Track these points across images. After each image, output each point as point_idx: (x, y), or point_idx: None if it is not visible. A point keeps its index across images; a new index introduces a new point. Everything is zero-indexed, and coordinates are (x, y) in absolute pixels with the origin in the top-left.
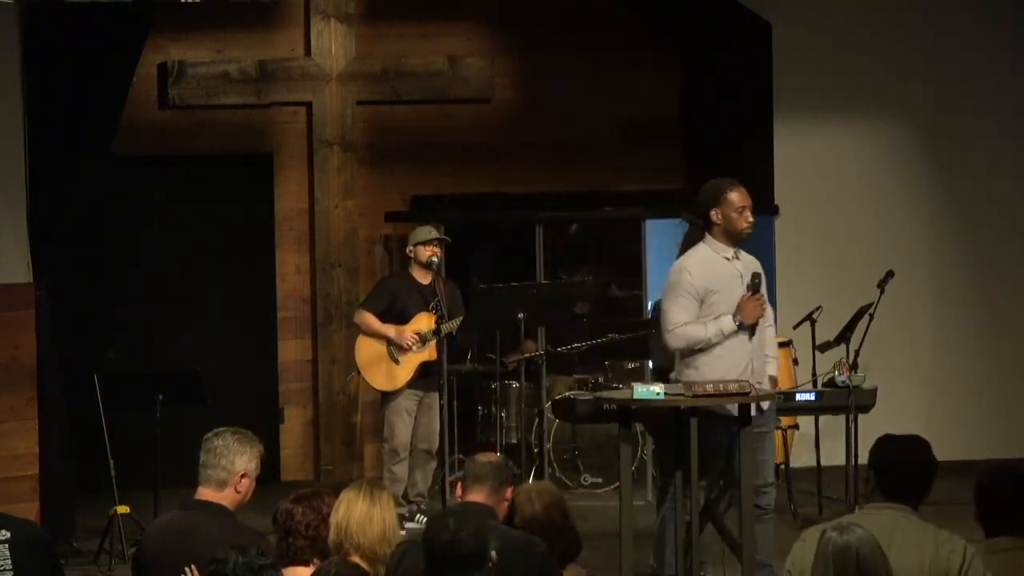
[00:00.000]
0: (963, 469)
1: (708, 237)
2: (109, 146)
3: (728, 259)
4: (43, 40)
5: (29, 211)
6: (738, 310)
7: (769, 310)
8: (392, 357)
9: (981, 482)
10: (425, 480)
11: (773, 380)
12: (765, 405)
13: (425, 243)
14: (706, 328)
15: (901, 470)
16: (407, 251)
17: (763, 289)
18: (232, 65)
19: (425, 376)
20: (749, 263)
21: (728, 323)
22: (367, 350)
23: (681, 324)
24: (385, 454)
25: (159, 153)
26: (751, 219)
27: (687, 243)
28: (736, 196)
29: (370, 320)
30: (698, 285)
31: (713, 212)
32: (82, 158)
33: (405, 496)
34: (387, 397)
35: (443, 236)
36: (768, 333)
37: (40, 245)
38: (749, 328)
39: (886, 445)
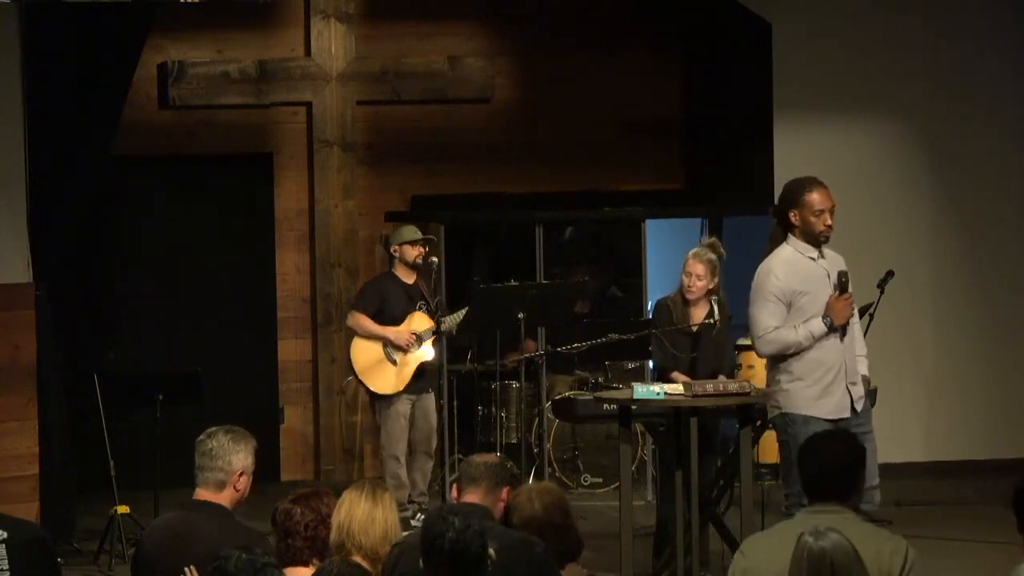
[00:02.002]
0: (963, 469)
1: (791, 237)
2: (109, 146)
3: (813, 259)
4: (43, 40)
5: (29, 211)
6: (827, 311)
7: (855, 309)
8: (390, 359)
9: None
10: (424, 479)
11: (866, 379)
12: (859, 406)
13: (412, 243)
14: (796, 332)
15: (822, 474)
16: (391, 251)
17: (851, 288)
18: (232, 65)
19: (417, 379)
20: (834, 261)
21: (818, 325)
22: (363, 354)
23: (771, 329)
24: (385, 460)
25: (159, 153)
26: (830, 222)
27: (772, 242)
28: (815, 198)
29: (365, 322)
30: (785, 287)
31: (792, 214)
32: (82, 158)
33: (408, 499)
34: (382, 403)
35: (428, 235)
36: (857, 331)
37: (40, 245)
38: (840, 329)
39: (808, 447)
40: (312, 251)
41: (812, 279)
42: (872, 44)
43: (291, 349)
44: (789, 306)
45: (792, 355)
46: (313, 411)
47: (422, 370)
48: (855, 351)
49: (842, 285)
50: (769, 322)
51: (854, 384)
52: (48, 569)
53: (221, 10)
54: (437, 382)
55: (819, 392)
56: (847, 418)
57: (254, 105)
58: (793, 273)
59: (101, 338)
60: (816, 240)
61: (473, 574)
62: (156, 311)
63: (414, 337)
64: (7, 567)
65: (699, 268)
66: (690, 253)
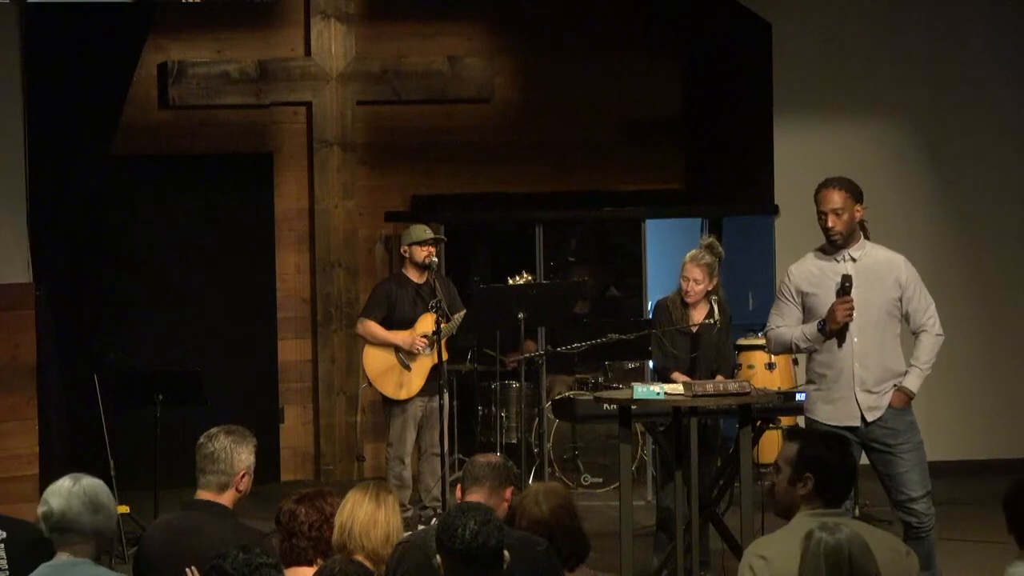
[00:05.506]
0: (962, 469)
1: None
2: (109, 146)
3: (839, 261)
4: (43, 40)
5: (29, 211)
6: (828, 313)
7: (931, 314)
8: (403, 364)
9: (1012, 495)
10: (435, 480)
11: (902, 392)
12: (870, 416)
13: (421, 243)
14: (792, 332)
15: (843, 478)
16: (402, 251)
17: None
18: (232, 65)
19: (431, 380)
20: (875, 264)
21: (811, 328)
22: (376, 361)
23: (773, 328)
24: (390, 460)
25: (159, 153)
26: (830, 225)
27: None
28: (818, 198)
29: (375, 329)
30: (792, 287)
31: None
32: (82, 158)
33: (417, 501)
34: (397, 405)
35: (439, 236)
36: (922, 339)
37: (40, 245)
38: (840, 333)
39: (821, 445)
40: (312, 251)
41: (823, 280)
42: (872, 44)
43: (291, 349)
44: (802, 306)
45: (810, 358)
46: (313, 411)
47: (436, 371)
48: (884, 357)
49: (843, 288)
50: (773, 320)
51: (869, 392)
52: None
53: (221, 10)
54: (438, 384)
55: (823, 396)
56: (856, 427)
57: (254, 105)
58: (804, 273)
59: (101, 338)
60: (829, 241)
61: (491, 569)
62: (156, 311)
63: (424, 340)
64: (6, 567)
65: (696, 272)
66: (687, 257)
